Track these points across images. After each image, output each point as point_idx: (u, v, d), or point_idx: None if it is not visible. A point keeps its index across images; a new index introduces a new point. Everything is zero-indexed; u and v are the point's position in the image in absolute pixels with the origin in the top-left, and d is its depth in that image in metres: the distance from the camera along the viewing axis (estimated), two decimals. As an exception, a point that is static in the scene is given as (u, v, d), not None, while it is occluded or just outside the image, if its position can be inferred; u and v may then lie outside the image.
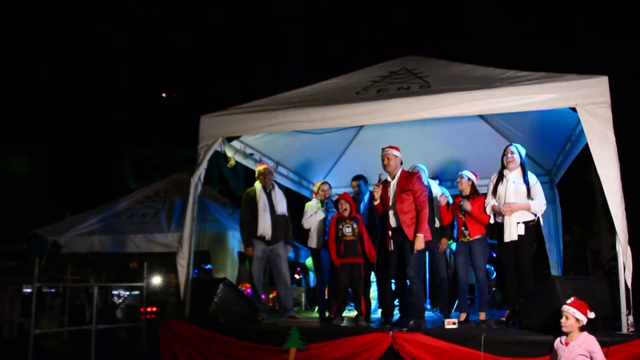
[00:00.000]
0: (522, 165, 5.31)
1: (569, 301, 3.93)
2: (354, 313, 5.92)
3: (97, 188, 15.10)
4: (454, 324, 4.91)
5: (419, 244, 5.10)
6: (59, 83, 16.62)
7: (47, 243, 5.76)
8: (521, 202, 5.15)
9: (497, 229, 5.33)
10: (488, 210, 5.39)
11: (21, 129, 15.84)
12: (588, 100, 4.68)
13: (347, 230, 5.68)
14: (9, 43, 15.61)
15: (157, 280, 9.09)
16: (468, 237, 5.53)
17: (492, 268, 7.62)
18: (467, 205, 5.49)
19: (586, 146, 4.76)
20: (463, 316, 5.55)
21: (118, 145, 16.43)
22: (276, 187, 6.37)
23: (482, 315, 5.44)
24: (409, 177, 5.35)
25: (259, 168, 6.36)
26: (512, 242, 5.16)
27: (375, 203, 5.48)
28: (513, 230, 5.12)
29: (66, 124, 17.03)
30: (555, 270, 7.59)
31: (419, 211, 5.18)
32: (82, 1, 16.64)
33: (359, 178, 6.55)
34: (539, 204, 5.14)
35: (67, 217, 9.31)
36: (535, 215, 5.17)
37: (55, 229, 8.43)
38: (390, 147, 5.44)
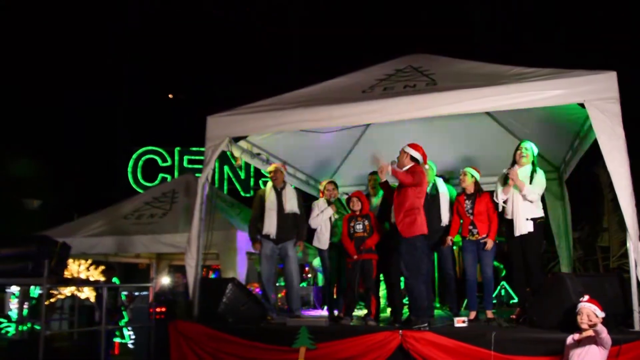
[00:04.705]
0: (533, 163, 5.30)
1: (585, 299, 3.89)
2: (363, 312, 5.90)
3: (104, 190, 15.20)
4: (463, 322, 4.89)
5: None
6: (66, 84, 16.72)
7: (56, 245, 5.77)
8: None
9: (507, 226, 5.31)
10: (500, 197, 5.33)
11: (29, 131, 15.97)
12: (596, 96, 4.65)
13: (359, 227, 5.68)
14: (16, 44, 15.71)
15: (166, 280, 9.12)
16: (477, 236, 5.51)
17: (502, 266, 7.58)
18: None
19: (595, 142, 4.73)
20: (473, 314, 5.52)
21: (125, 147, 16.55)
22: (287, 185, 6.40)
23: (489, 313, 5.42)
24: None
25: (269, 168, 6.43)
26: (520, 238, 5.14)
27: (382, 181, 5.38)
28: (522, 225, 5.10)
29: (74, 126, 17.16)
30: (564, 268, 7.54)
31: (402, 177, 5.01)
32: (87, 0, 16.74)
33: (376, 173, 6.49)
34: (532, 189, 5.12)
35: (75, 219, 9.35)
36: (525, 197, 5.12)
37: (64, 231, 8.48)
38: (409, 145, 5.31)
